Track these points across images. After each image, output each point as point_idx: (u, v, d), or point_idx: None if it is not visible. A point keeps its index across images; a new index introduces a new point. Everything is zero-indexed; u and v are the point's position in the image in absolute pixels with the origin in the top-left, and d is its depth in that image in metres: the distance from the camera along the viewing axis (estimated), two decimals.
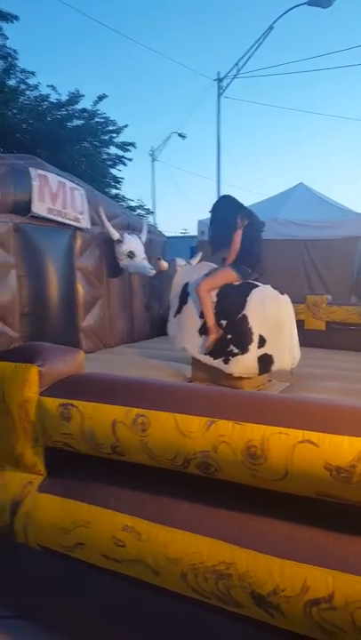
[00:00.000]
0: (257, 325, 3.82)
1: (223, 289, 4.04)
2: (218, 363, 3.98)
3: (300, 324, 4.28)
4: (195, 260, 4.77)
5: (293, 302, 4.12)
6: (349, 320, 5.80)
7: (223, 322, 3.96)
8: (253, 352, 3.83)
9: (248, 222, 4.03)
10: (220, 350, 3.96)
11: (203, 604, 1.46)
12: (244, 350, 3.83)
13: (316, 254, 8.03)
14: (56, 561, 1.74)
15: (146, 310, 5.15)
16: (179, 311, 4.37)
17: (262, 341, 3.84)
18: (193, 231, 11.77)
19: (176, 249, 9.32)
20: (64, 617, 1.80)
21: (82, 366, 1.93)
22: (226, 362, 3.92)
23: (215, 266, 4.33)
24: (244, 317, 3.83)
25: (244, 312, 3.84)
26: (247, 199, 4.28)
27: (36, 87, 13.91)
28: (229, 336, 3.91)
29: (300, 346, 4.16)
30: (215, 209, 4.28)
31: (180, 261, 4.68)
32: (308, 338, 5.25)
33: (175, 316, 4.42)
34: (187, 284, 4.31)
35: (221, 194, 5.25)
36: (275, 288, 3.99)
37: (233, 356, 3.88)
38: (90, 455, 1.71)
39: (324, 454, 1.29)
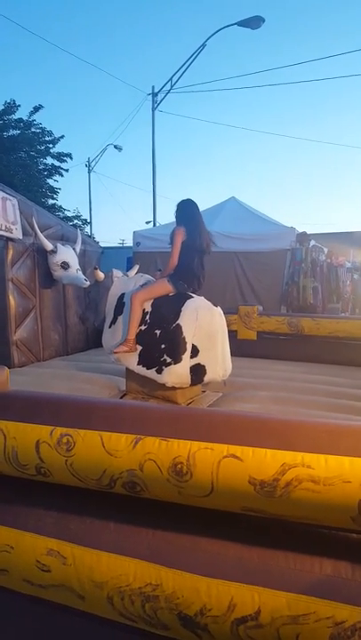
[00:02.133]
0: (190, 335, 3.83)
1: (158, 299, 4.03)
2: (151, 373, 3.95)
3: (232, 334, 4.34)
4: (132, 272, 4.74)
5: (226, 313, 4.17)
6: (279, 330, 5.97)
7: (157, 331, 3.94)
8: (186, 362, 3.83)
9: (189, 239, 3.95)
10: (153, 360, 3.93)
11: (130, 628, 1.43)
12: (177, 360, 3.82)
13: (247, 266, 8.22)
14: None
15: (81, 322, 5.05)
16: (114, 322, 4.32)
17: (195, 351, 3.86)
18: (129, 242, 11.74)
19: (113, 260, 9.24)
20: None
21: (6, 383, 1.85)
22: (159, 372, 3.89)
23: (152, 278, 4.32)
24: (178, 327, 3.84)
25: (179, 322, 3.84)
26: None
27: None
28: (163, 346, 3.89)
29: (233, 355, 4.21)
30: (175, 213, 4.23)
31: (117, 273, 4.63)
32: (240, 347, 5.35)
33: (110, 326, 4.36)
34: (122, 295, 4.28)
35: (158, 206, 5.24)
36: (208, 300, 4.04)
37: (166, 366, 3.86)
38: (13, 477, 1.64)
39: (247, 468, 1.30)
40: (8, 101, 13.84)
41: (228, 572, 1.33)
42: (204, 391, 4.39)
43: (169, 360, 3.83)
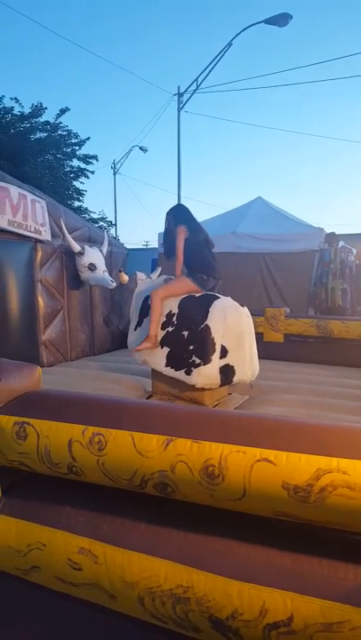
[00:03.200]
0: (219, 336, 3.82)
1: (184, 300, 4.04)
2: (180, 374, 3.94)
3: (259, 336, 4.32)
4: (155, 274, 4.77)
5: (252, 314, 4.16)
6: (307, 332, 5.90)
7: (185, 332, 3.94)
8: (215, 362, 3.82)
9: (192, 235, 4.06)
10: (181, 361, 3.93)
11: (161, 629, 1.43)
12: (206, 361, 3.82)
13: (274, 267, 8.14)
14: (12, 584, 1.67)
15: (105, 324, 5.08)
16: (139, 324, 4.34)
17: (224, 352, 3.85)
18: (154, 243, 11.78)
19: (138, 261, 9.29)
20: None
21: (38, 383, 1.87)
22: (188, 373, 3.89)
23: (172, 277, 4.34)
24: (207, 328, 3.83)
25: (207, 322, 3.83)
26: (207, 213, 4.34)
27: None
28: (191, 347, 3.89)
29: (259, 358, 4.19)
30: (166, 215, 4.32)
31: (141, 275, 4.66)
32: (266, 350, 5.31)
33: (136, 328, 4.38)
34: (147, 297, 4.29)
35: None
36: (235, 300, 4.03)
37: (195, 367, 3.85)
38: (46, 475, 1.66)
39: (281, 473, 1.28)
40: (35, 104, 14.06)
41: (260, 577, 1.32)
42: (230, 393, 4.37)
43: (198, 361, 3.83)
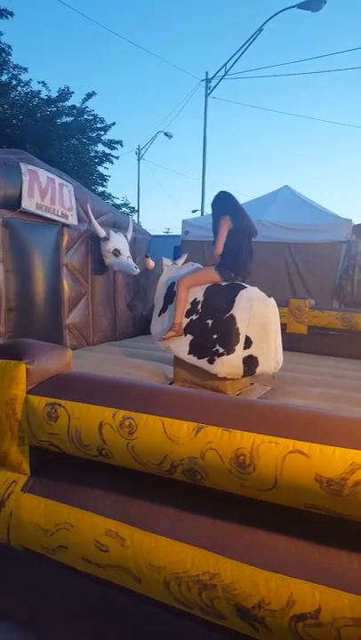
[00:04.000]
0: (244, 326, 3.79)
1: (210, 289, 4.01)
2: (202, 363, 3.94)
3: (281, 327, 4.29)
4: (180, 261, 4.75)
5: (277, 306, 4.12)
6: (331, 325, 5.83)
7: (210, 321, 3.93)
8: (239, 353, 3.80)
9: (236, 226, 3.97)
10: (204, 350, 3.92)
11: (185, 614, 1.44)
12: (230, 350, 3.80)
13: (299, 258, 8.02)
14: (39, 562, 1.70)
15: (128, 309, 5.12)
16: (164, 310, 4.34)
17: (248, 342, 3.82)
18: (176, 230, 11.74)
19: (159, 248, 9.27)
20: (44, 619, 1.76)
21: (69, 365, 1.89)
22: (211, 362, 3.88)
23: (200, 266, 4.32)
24: (232, 317, 3.80)
25: (232, 312, 3.81)
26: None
27: (27, 83, 13.84)
28: (215, 336, 3.88)
29: (282, 349, 4.16)
30: (211, 205, 4.26)
31: (167, 261, 4.64)
32: (289, 341, 5.27)
33: (160, 314, 4.38)
34: (173, 284, 4.29)
35: (206, 194, 5.22)
36: (262, 290, 3.99)
37: (218, 356, 3.84)
38: (75, 456, 1.68)
39: (314, 465, 1.27)
40: (62, 88, 14.02)
41: (288, 568, 1.32)
42: (252, 384, 4.36)
43: (221, 350, 3.82)
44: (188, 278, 4.05)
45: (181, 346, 4.07)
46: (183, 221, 9.26)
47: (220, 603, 1.36)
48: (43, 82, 14.01)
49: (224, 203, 4.12)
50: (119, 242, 5.83)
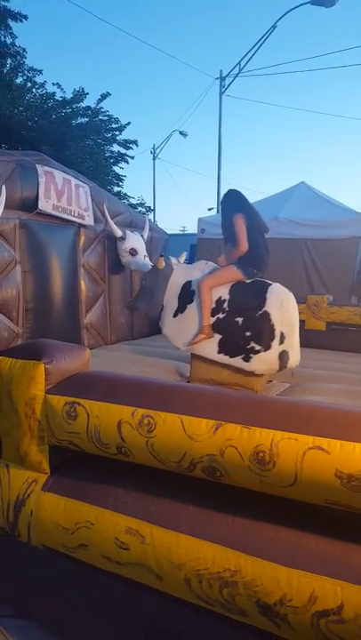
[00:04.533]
0: (279, 322, 3.82)
1: (236, 287, 4.00)
2: (236, 361, 3.94)
3: (300, 323, 4.27)
4: (181, 259, 4.74)
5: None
6: (350, 321, 5.77)
7: (239, 319, 3.92)
8: (276, 349, 3.82)
9: (250, 223, 3.98)
10: (237, 348, 3.92)
11: (206, 610, 1.44)
12: (267, 347, 3.82)
13: (316, 254, 7.96)
14: (59, 561, 1.72)
15: (129, 310, 5.03)
16: (181, 310, 4.30)
17: (282, 338, 3.84)
18: (192, 229, 11.74)
19: (176, 246, 9.27)
20: (65, 618, 1.78)
21: (88, 364, 1.90)
22: (247, 359, 3.88)
23: (214, 265, 4.28)
24: (266, 314, 3.82)
25: (265, 309, 3.83)
26: (248, 198, 4.23)
27: (42, 85, 13.98)
28: (248, 333, 3.88)
29: (301, 346, 4.14)
30: (221, 203, 4.27)
31: (175, 260, 4.67)
32: (308, 338, 5.22)
33: (176, 315, 4.34)
34: (188, 283, 4.26)
35: (221, 192, 5.23)
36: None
37: (255, 354, 3.85)
38: (94, 455, 1.69)
39: (334, 461, 1.26)
40: (77, 89, 14.10)
41: (310, 564, 1.31)
42: (270, 381, 4.33)
43: (258, 347, 3.85)
44: (210, 279, 4.02)
45: (209, 346, 4.04)
46: (199, 219, 9.24)
47: (242, 599, 1.36)
48: (57, 84, 14.11)
49: (234, 201, 4.13)
50: (135, 241, 5.84)
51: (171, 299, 4.34)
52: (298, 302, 4.18)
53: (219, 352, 4.00)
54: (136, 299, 4.75)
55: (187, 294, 4.23)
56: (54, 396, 1.68)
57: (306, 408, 1.43)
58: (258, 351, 3.83)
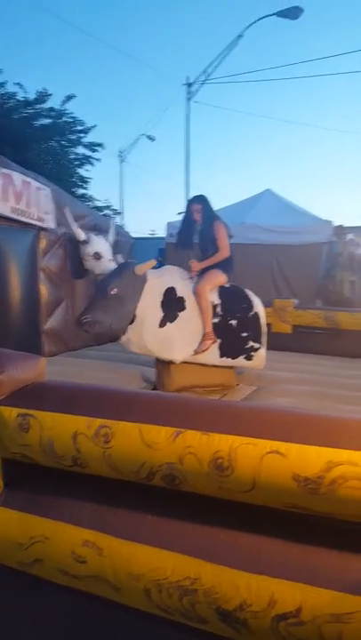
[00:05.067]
0: (264, 320, 4.18)
1: (224, 291, 4.09)
2: (239, 361, 4.10)
3: (267, 327, 4.31)
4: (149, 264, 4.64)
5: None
6: (315, 324, 5.86)
7: (233, 322, 4.04)
8: (265, 344, 4.17)
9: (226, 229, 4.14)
10: (238, 349, 4.06)
11: (166, 620, 1.41)
12: (262, 344, 4.13)
13: (282, 259, 8.10)
14: (12, 577, 1.65)
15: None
16: (171, 320, 3.91)
17: (265, 335, 4.19)
18: (161, 233, 11.72)
19: (144, 250, 9.23)
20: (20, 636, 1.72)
21: (42, 374, 1.84)
22: (249, 358, 4.09)
23: (182, 270, 4.20)
24: (257, 315, 4.10)
25: (255, 310, 4.10)
26: (214, 203, 4.26)
27: (2, 85, 13.66)
28: (245, 334, 4.06)
29: (268, 349, 4.21)
30: (202, 209, 4.13)
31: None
32: (275, 341, 5.26)
33: (165, 324, 3.89)
34: (171, 289, 3.94)
35: (189, 196, 5.20)
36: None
37: (255, 351, 4.09)
38: (49, 467, 1.64)
39: (291, 465, 1.26)
40: (40, 90, 13.90)
41: (269, 568, 1.30)
42: (237, 384, 4.34)
43: (257, 345, 4.10)
44: (207, 285, 3.97)
45: (210, 352, 3.98)
46: (168, 224, 9.24)
47: (202, 607, 1.34)
48: (19, 83, 13.84)
49: (210, 207, 4.19)
50: (100, 245, 5.74)
51: (150, 308, 3.86)
52: (265, 306, 4.32)
53: (221, 356, 4.03)
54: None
55: (169, 302, 3.92)
56: (6, 407, 1.62)
57: (264, 412, 1.42)
58: (257, 349, 4.10)
